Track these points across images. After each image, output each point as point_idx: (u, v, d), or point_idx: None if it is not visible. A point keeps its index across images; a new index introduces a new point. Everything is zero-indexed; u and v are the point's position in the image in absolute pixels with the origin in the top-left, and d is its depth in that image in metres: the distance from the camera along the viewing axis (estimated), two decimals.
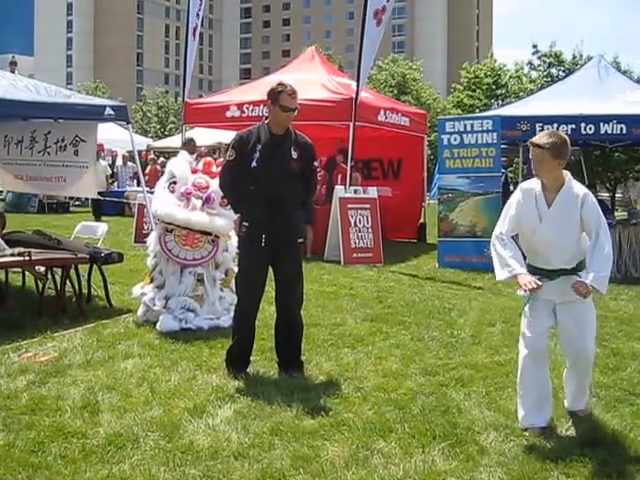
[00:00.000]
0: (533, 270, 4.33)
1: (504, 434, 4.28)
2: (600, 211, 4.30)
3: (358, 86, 12.19)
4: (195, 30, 13.78)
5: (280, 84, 5.33)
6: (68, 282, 7.50)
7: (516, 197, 4.39)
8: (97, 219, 15.65)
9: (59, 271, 7.45)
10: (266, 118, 5.35)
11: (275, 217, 5.24)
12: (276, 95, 5.22)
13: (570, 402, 4.66)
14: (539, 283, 4.18)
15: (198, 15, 13.80)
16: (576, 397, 4.62)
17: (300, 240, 5.48)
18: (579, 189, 4.26)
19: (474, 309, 8.01)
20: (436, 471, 3.78)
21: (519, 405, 4.44)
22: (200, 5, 13.80)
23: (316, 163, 5.54)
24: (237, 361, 5.41)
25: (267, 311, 6.39)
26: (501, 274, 4.37)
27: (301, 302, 5.59)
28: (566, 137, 4.24)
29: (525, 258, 4.44)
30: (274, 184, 5.21)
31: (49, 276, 7.47)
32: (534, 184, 4.34)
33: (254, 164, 5.20)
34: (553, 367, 4.96)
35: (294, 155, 5.28)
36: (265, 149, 5.22)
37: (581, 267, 4.31)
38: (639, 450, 4.09)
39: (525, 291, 4.31)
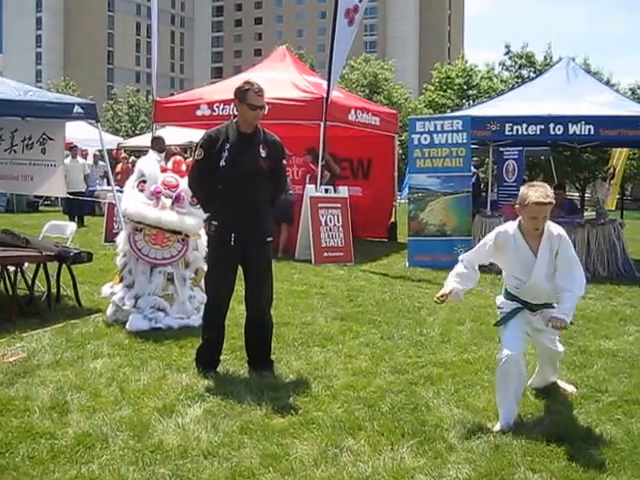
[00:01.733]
0: (515, 298, 4.63)
1: (472, 431, 4.32)
2: (573, 249, 4.57)
3: (329, 85, 12.22)
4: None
5: (247, 82, 5.31)
6: (37, 281, 7.45)
7: (492, 241, 4.58)
8: (78, 221, 15.47)
9: (28, 270, 7.39)
10: (234, 117, 5.34)
11: (244, 216, 5.24)
12: (243, 93, 5.20)
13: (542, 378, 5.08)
14: (442, 298, 4.53)
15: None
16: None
17: (269, 239, 5.46)
18: (555, 230, 4.47)
19: (443, 308, 8.02)
20: (405, 468, 3.81)
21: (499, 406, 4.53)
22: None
23: (285, 161, 5.52)
24: (207, 360, 5.41)
25: (237, 310, 6.38)
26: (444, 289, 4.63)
27: (271, 301, 5.58)
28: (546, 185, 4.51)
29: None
30: (243, 183, 5.20)
31: (19, 276, 7.38)
32: (512, 229, 4.52)
33: (223, 163, 5.19)
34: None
35: (263, 154, 5.27)
36: (234, 148, 5.21)
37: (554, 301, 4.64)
38: (604, 445, 4.16)
39: (500, 306, 4.69)
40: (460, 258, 4.73)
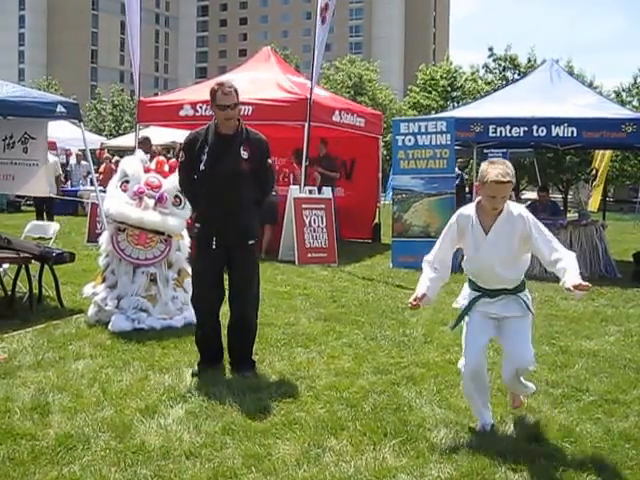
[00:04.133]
0: (476, 288, 4.37)
1: (454, 431, 4.35)
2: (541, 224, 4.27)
3: (312, 86, 12.25)
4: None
5: (217, 83, 5.27)
6: (19, 282, 7.41)
7: (453, 223, 4.39)
8: (49, 219, 15.19)
9: (9, 271, 7.34)
10: (215, 118, 5.32)
11: (225, 219, 5.22)
12: (213, 95, 5.18)
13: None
14: (414, 303, 4.26)
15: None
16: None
17: (251, 242, 5.41)
18: (516, 210, 4.22)
19: (426, 308, 8.04)
20: (387, 468, 3.83)
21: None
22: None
23: (270, 160, 5.44)
24: (207, 357, 5.47)
25: (220, 310, 6.34)
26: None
27: (254, 303, 5.55)
28: (507, 162, 4.23)
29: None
30: (223, 186, 5.17)
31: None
32: (470, 210, 4.32)
33: (202, 167, 5.18)
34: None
35: (244, 155, 5.20)
36: (212, 151, 5.17)
37: (521, 287, 4.33)
38: (585, 444, 4.20)
39: (458, 303, 4.46)
40: (427, 259, 4.43)
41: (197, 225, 5.36)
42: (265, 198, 5.56)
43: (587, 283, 3.92)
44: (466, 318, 4.43)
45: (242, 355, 5.47)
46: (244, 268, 5.39)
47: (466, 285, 4.49)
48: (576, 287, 3.91)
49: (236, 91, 5.20)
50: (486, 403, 4.45)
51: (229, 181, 5.17)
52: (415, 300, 4.26)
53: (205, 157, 5.16)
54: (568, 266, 4.07)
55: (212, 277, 5.35)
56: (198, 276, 5.46)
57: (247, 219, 5.36)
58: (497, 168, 4.09)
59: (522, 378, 4.47)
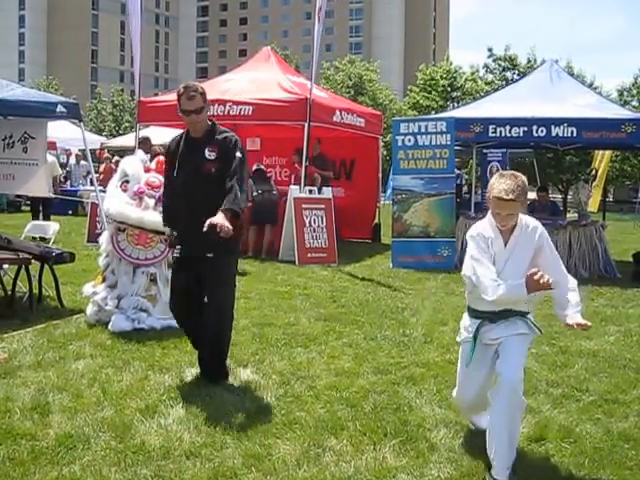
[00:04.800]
0: (476, 315, 4.03)
1: (454, 431, 4.35)
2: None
3: (311, 86, 12.26)
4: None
5: (183, 86, 5.03)
6: (19, 282, 7.40)
7: (483, 242, 3.89)
8: (45, 219, 15.11)
9: (9, 271, 7.34)
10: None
11: (192, 227, 4.85)
12: (178, 99, 4.96)
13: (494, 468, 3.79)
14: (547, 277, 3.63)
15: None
16: (501, 458, 3.77)
17: (209, 255, 4.95)
18: (531, 223, 3.92)
19: (427, 308, 8.10)
20: (387, 468, 3.83)
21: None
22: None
23: (239, 154, 4.95)
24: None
25: None
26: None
27: (223, 316, 5.14)
28: (523, 177, 3.83)
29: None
30: (187, 191, 4.95)
31: None
32: (486, 224, 3.93)
33: (174, 173, 5.04)
34: None
35: (210, 156, 4.92)
36: (182, 156, 5.01)
37: (526, 309, 3.98)
38: (585, 444, 4.20)
39: (462, 338, 4.16)
40: (495, 287, 3.76)
41: (173, 233, 5.25)
42: (240, 198, 4.84)
43: (589, 323, 3.82)
44: (460, 349, 4.20)
45: (210, 367, 5.24)
46: (210, 279, 5.02)
47: (465, 315, 4.20)
48: (579, 325, 3.81)
49: (202, 94, 4.93)
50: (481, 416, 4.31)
51: (192, 185, 4.93)
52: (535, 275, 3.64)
53: (176, 163, 5.03)
54: (572, 299, 3.91)
55: (183, 287, 5.12)
56: (171, 287, 5.34)
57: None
58: (503, 183, 3.72)
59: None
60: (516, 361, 3.83)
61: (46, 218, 14.22)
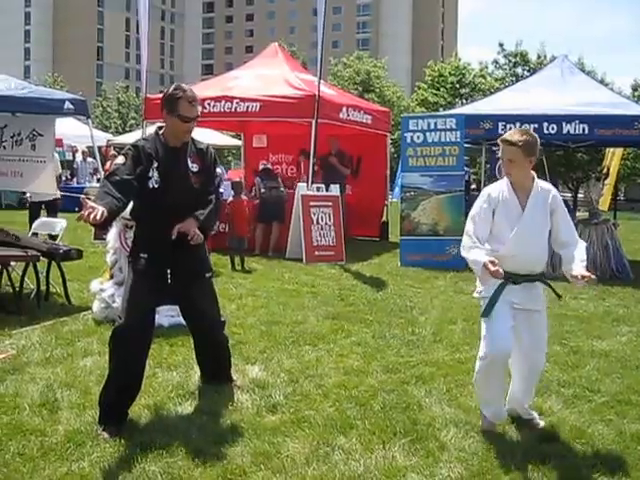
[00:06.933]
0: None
1: (464, 430, 4.32)
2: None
3: (318, 82, 12.24)
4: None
5: (178, 88, 4.41)
6: (27, 279, 7.40)
7: (485, 202, 4.16)
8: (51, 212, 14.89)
9: (17, 267, 7.34)
10: (160, 128, 4.49)
11: (178, 246, 4.38)
12: (174, 102, 4.31)
13: (514, 402, 4.52)
14: (500, 272, 3.94)
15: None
16: (525, 396, 4.51)
17: (208, 275, 4.72)
18: (545, 185, 4.21)
19: (435, 307, 8.07)
20: (396, 467, 3.80)
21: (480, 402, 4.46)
22: None
23: (219, 170, 4.67)
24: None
25: (228, 309, 6.36)
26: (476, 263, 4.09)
27: (221, 329, 4.97)
28: (536, 135, 4.14)
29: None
30: (176, 206, 4.30)
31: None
32: (502, 187, 4.16)
33: (153, 185, 4.28)
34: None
35: (194, 168, 4.42)
36: (163, 166, 4.32)
37: (543, 273, 4.28)
38: (597, 445, 4.16)
39: (479, 292, 4.28)
40: (467, 245, 4.14)
41: (142, 256, 4.42)
42: (213, 219, 4.59)
43: (593, 276, 4.00)
44: (483, 304, 4.25)
45: (220, 376, 5.06)
46: (205, 300, 4.71)
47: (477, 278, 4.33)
48: (583, 277, 3.98)
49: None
50: (502, 395, 4.37)
51: (182, 199, 4.33)
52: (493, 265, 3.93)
53: (155, 175, 4.28)
54: (578, 255, 4.11)
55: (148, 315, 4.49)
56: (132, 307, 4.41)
57: (203, 247, 4.60)
58: (513, 131, 4.06)
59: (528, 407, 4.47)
60: (543, 343, 4.33)
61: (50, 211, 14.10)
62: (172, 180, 4.32)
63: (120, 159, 4.33)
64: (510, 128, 11.33)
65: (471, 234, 4.17)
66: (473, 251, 4.11)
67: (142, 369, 4.46)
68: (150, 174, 4.28)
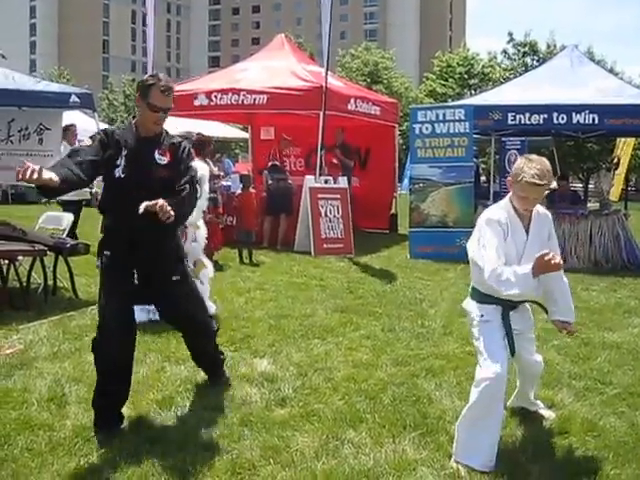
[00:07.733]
0: (494, 301, 3.88)
1: None
2: None
3: (326, 74, 12.18)
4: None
5: (152, 76, 4.21)
6: (34, 273, 7.39)
7: (499, 232, 3.80)
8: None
9: (24, 262, 7.33)
10: (134, 117, 4.35)
11: (140, 241, 4.20)
12: (145, 89, 4.13)
13: (518, 395, 4.56)
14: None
15: None
16: (529, 390, 4.56)
17: (175, 277, 4.38)
18: (542, 210, 3.98)
19: (445, 300, 8.02)
20: (406, 460, 3.77)
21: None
22: None
23: (192, 164, 4.38)
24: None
25: (236, 302, 6.33)
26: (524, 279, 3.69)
27: (210, 331, 4.84)
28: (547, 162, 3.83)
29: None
30: (141, 199, 3.86)
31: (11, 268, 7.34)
32: (506, 212, 3.86)
33: (119, 174, 4.09)
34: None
35: (161, 161, 4.17)
36: (130, 156, 4.12)
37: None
38: (609, 438, 4.12)
39: (481, 317, 3.93)
40: (498, 271, 3.69)
41: (106, 253, 4.28)
42: (186, 209, 4.24)
43: (574, 329, 4.12)
44: (481, 327, 3.93)
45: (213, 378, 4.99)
46: (187, 302, 4.52)
47: (472, 303, 4.03)
48: (564, 328, 4.05)
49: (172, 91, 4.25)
50: (499, 431, 3.86)
51: (145, 192, 3.94)
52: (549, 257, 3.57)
53: (122, 162, 4.09)
54: (564, 296, 4.04)
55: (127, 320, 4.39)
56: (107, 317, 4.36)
57: (172, 247, 4.41)
58: (534, 168, 3.70)
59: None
60: (534, 349, 4.35)
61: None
62: (135, 170, 4.11)
63: (86, 141, 4.16)
64: (520, 119, 11.33)
65: (497, 265, 3.71)
66: (511, 273, 3.68)
67: (125, 371, 4.31)
68: (118, 162, 4.10)
